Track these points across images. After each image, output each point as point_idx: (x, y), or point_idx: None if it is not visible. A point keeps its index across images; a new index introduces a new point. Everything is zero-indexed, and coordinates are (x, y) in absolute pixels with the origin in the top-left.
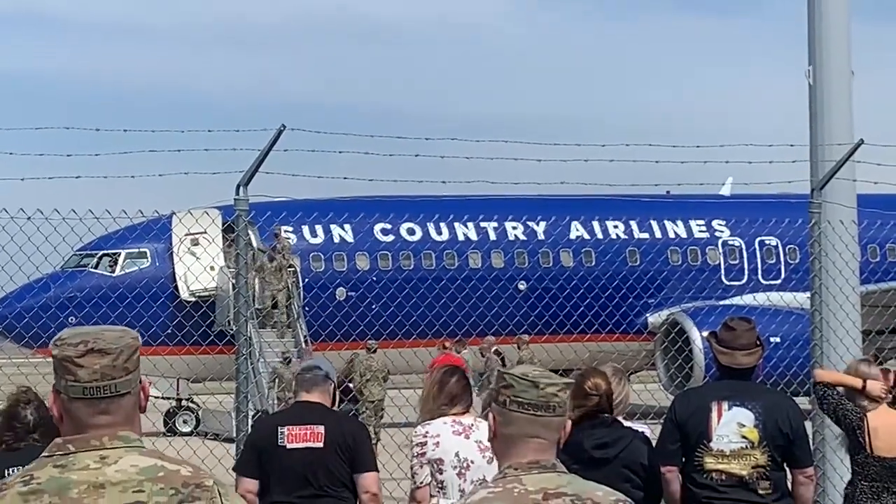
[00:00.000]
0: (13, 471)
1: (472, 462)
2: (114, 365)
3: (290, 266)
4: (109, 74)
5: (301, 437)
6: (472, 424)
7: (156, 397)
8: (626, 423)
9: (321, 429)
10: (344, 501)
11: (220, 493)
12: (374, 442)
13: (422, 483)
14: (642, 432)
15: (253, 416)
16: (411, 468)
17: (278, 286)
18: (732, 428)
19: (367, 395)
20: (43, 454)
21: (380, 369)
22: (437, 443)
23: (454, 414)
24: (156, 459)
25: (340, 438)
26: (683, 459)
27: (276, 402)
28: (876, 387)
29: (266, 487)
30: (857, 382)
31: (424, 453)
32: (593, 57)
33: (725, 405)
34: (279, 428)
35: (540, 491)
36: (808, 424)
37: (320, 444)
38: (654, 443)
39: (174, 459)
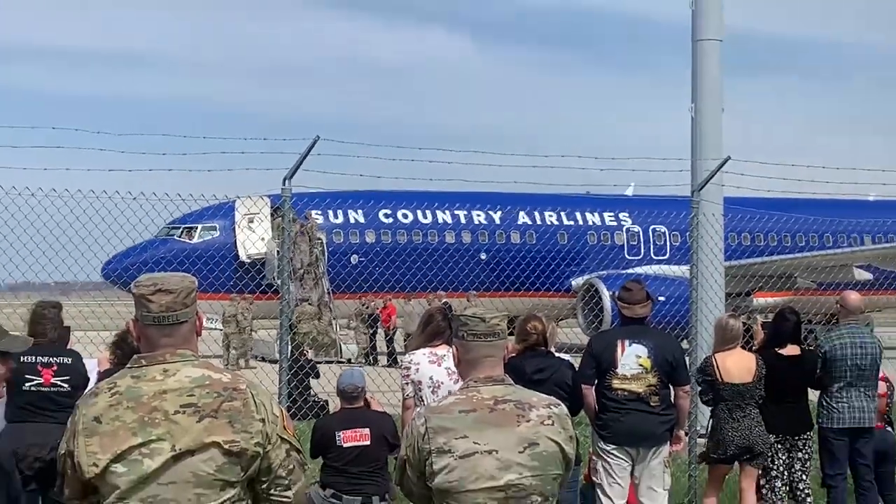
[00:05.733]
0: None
1: (441, 382)
2: (175, 301)
3: (319, 238)
4: (194, 102)
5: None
6: (445, 355)
7: (220, 329)
8: (557, 354)
9: (367, 430)
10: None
11: (252, 395)
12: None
13: (407, 396)
14: (568, 360)
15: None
16: (402, 386)
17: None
18: (632, 359)
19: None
20: (128, 365)
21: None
22: (417, 369)
23: (434, 346)
24: (204, 370)
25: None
26: (597, 381)
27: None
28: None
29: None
30: None
31: (409, 375)
32: (535, 92)
33: (627, 342)
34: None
35: (492, 398)
36: (686, 357)
37: (367, 442)
38: (576, 368)
39: (219, 369)
